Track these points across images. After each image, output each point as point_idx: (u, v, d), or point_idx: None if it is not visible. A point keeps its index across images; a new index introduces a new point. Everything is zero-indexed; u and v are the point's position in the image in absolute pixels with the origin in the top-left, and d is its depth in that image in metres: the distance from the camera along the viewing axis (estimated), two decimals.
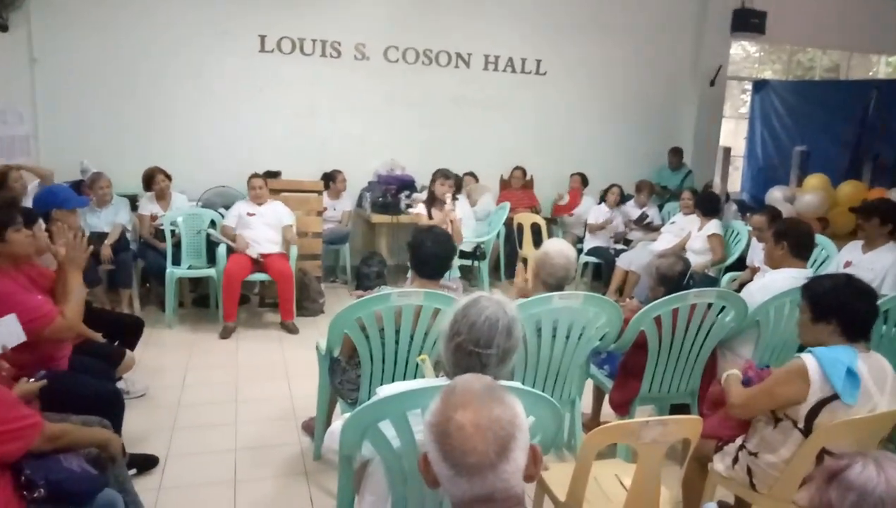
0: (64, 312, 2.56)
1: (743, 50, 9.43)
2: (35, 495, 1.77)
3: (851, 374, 2.00)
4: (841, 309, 2.09)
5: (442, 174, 4.66)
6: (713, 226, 5.36)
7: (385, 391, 1.71)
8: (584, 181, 7.02)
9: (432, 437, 1.12)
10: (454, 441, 1.07)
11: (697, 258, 5.16)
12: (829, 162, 7.32)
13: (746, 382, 2.35)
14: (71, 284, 2.68)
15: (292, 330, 4.93)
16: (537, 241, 6.29)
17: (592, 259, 6.45)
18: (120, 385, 3.38)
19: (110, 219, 5.02)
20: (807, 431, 2.07)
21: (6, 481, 1.77)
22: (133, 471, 2.76)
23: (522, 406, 1.62)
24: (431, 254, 2.74)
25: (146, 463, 2.93)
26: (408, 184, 6.48)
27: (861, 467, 0.99)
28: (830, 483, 1.00)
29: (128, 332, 3.48)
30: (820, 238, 4.56)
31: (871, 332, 2.14)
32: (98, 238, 4.84)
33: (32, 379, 2.26)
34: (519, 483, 1.11)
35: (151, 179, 5.31)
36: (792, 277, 3.21)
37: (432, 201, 4.72)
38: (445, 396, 1.15)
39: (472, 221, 6.19)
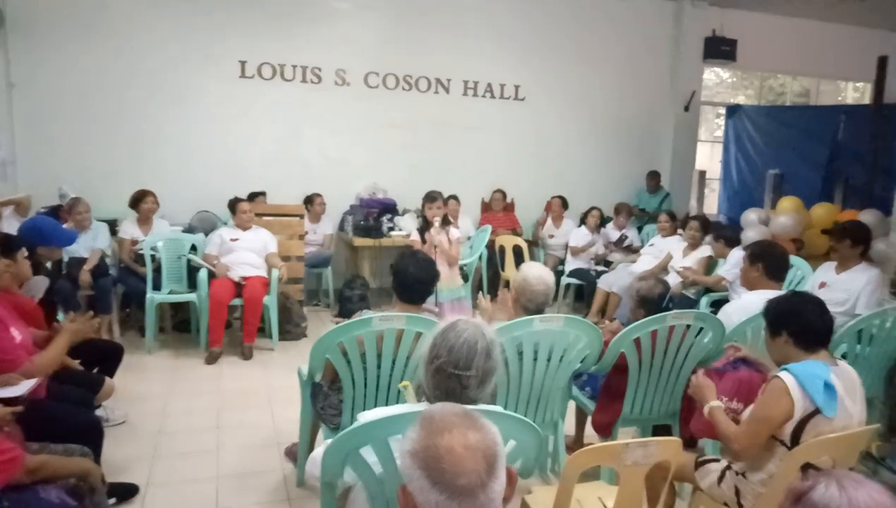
0: (34, 360, 2.53)
1: (716, 76, 9.68)
2: None
3: (828, 387, 2.06)
4: (789, 320, 2.19)
5: (428, 198, 4.70)
6: (707, 249, 5.37)
7: (366, 417, 1.72)
8: (565, 204, 7.11)
9: (418, 465, 1.11)
10: (445, 464, 1.08)
11: (676, 279, 5.24)
12: (803, 184, 7.51)
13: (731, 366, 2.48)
14: (59, 343, 2.69)
15: (246, 354, 4.87)
16: (519, 263, 6.34)
17: (574, 280, 6.51)
18: (99, 412, 3.34)
19: (89, 244, 4.97)
20: (792, 448, 2.10)
21: None
22: (113, 500, 2.73)
23: (503, 430, 1.66)
24: (414, 279, 2.76)
25: (126, 492, 2.89)
26: (390, 208, 6.52)
27: (824, 488, 1.03)
28: (796, 505, 1.04)
29: (107, 359, 3.43)
30: (795, 259, 4.65)
31: (829, 341, 2.20)
32: (77, 263, 4.80)
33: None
34: (500, 503, 1.12)
35: (141, 200, 5.27)
36: (768, 298, 3.28)
37: (427, 226, 4.73)
38: (425, 423, 1.15)
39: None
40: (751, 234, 5.88)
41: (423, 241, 4.66)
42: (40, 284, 3.27)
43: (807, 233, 6.39)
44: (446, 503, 1.08)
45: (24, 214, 4.81)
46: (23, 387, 2.37)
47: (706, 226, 5.51)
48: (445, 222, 4.74)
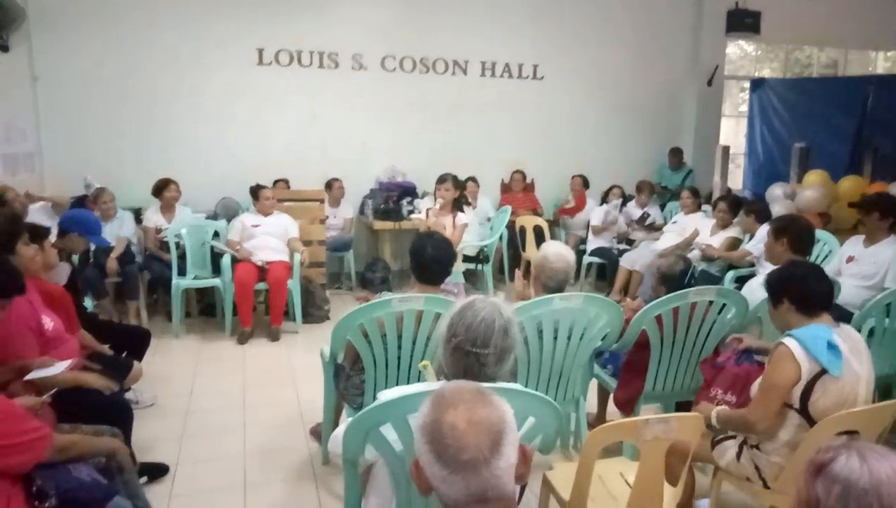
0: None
1: (740, 49, 9.44)
2: (46, 504, 1.81)
3: (832, 347, 2.08)
4: (788, 287, 2.25)
5: (439, 179, 4.67)
6: (734, 230, 5.28)
7: (386, 395, 1.74)
8: (586, 183, 7.05)
9: (424, 439, 1.13)
10: (448, 439, 1.09)
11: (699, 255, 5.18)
12: (830, 157, 7.32)
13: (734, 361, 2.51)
14: (72, 377, 2.55)
15: (274, 336, 4.97)
16: (540, 243, 6.30)
17: (596, 259, 6.47)
18: (129, 395, 3.43)
19: (115, 232, 5.07)
20: (803, 411, 2.11)
21: (19, 491, 1.80)
22: (144, 479, 2.80)
23: (522, 407, 1.66)
24: (432, 259, 2.77)
25: (157, 471, 2.97)
26: (409, 191, 6.52)
27: (845, 459, 1.01)
28: (816, 477, 1.02)
29: (135, 343, 3.51)
30: (822, 233, 4.56)
31: (830, 305, 2.24)
32: (103, 252, 4.89)
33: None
34: (510, 482, 1.12)
35: (164, 188, 5.37)
36: None
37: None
38: (435, 399, 1.16)
39: (475, 225, 6.22)
40: (776, 209, 5.77)
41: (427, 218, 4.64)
42: (63, 271, 3.36)
43: (834, 207, 6.25)
44: (450, 477, 1.09)
45: (60, 214, 4.93)
46: (57, 368, 2.42)
47: (736, 205, 5.36)
48: (458, 205, 4.70)
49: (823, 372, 2.07)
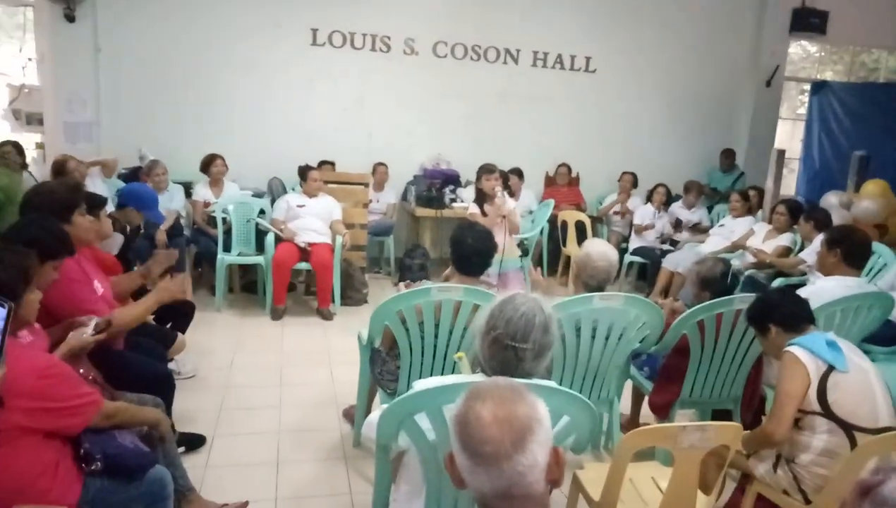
0: (114, 314, 2.54)
1: (802, 50, 9.11)
2: (93, 467, 1.88)
3: (831, 345, 2.17)
4: (769, 314, 2.37)
5: (486, 169, 4.60)
6: (786, 239, 5.13)
7: (422, 385, 1.75)
8: (635, 181, 6.92)
9: (454, 429, 1.14)
10: (472, 430, 1.09)
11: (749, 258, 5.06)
12: (891, 167, 7.02)
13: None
14: (147, 301, 2.68)
15: (327, 316, 5.07)
16: (581, 239, 6.25)
17: (638, 259, 6.37)
18: (171, 366, 3.53)
19: (165, 205, 5.18)
20: (827, 413, 2.11)
21: (67, 452, 1.88)
22: (182, 449, 2.87)
23: (557, 405, 1.65)
24: (472, 251, 2.77)
25: (194, 442, 3.05)
26: (452, 179, 6.51)
27: (895, 483, 0.98)
28: (864, 498, 1.00)
29: (180, 315, 3.60)
30: (877, 245, 4.40)
31: (813, 319, 2.35)
32: (154, 224, 5.03)
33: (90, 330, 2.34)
34: (539, 482, 1.10)
35: (210, 163, 5.51)
36: (845, 285, 3.14)
37: (482, 198, 4.65)
38: (470, 392, 1.17)
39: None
40: (832, 217, 5.58)
41: (484, 214, 4.58)
42: (116, 241, 3.47)
43: (892, 219, 6.01)
44: (473, 468, 1.10)
45: (110, 175, 5.08)
46: (90, 326, 2.40)
47: (796, 211, 5.19)
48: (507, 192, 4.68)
49: (830, 369, 2.13)
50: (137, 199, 3.90)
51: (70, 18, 5.79)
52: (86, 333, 2.30)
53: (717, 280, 2.99)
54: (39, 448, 1.78)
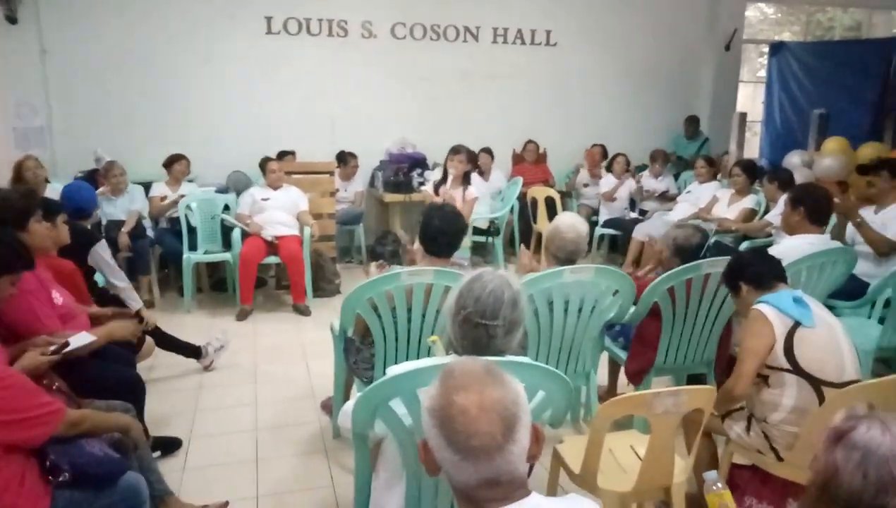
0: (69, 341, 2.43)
1: (759, 12, 9.20)
2: (60, 479, 1.82)
3: (798, 301, 2.20)
4: (740, 274, 2.40)
5: (452, 150, 4.58)
6: (749, 201, 5.17)
7: (395, 370, 1.73)
8: (605, 153, 6.94)
9: (434, 423, 1.08)
10: (458, 425, 1.05)
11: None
12: (850, 124, 7.15)
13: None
14: (99, 334, 2.60)
15: (304, 312, 4.98)
16: (552, 215, 6.25)
17: (609, 231, 6.41)
18: (208, 346, 3.80)
19: (126, 206, 5.07)
20: (796, 369, 2.14)
21: (33, 465, 1.82)
22: (157, 454, 2.83)
23: (532, 381, 1.64)
24: (439, 231, 2.74)
25: (170, 446, 3.00)
26: (419, 162, 6.45)
27: (866, 428, 0.99)
28: (836, 444, 1.00)
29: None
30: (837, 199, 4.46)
31: (784, 276, 2.38)
32: (115, 226, 4.91)
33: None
34: (523, 463, 1.09)
35: (175, 161, 5.40)
36: (809, 243, 3.19)
37: (445, 179, 4.62)
38: (444, 380, 1.12)
39: (487, 197, 6.17)
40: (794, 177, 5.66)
41: (437, 194, 4.57)
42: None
43: (853, 176, 6.12)
44: (461, 463, 1.05)
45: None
46: (88, 337, 2.41)
47: (751, 170, 5.25)
48: (466, 179, 4.63)
49: (797, 325, 2.15)
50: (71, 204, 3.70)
51: (12, 20, 5.58)
52: (44, 353, 2.25)
53: (691, 249, 2.99)
54: (1, 463, 1.72)
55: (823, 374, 2.11)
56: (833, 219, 3.73)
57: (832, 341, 2.17)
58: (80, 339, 2.41)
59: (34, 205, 2.72)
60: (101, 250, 3.36)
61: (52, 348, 2.30)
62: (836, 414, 1.97)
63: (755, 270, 2.37)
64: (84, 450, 1.93)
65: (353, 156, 6.38)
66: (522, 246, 3.23)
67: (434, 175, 6.13)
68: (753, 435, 2.26)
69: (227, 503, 2.55)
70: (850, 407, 1.99)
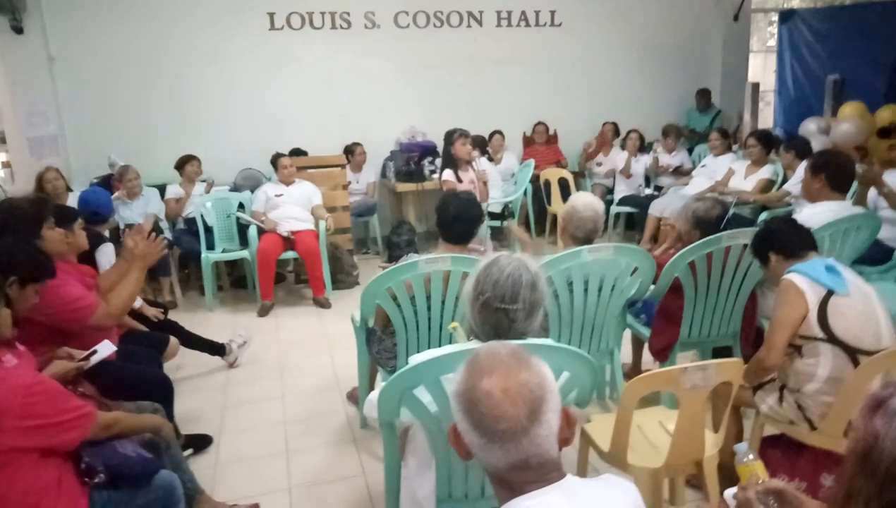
0: (109, 300, 2.61)
1: None
2: (96, 480, 1.85)
3: (830, 269, 2.16)
4: (770, 244, 2.37)
5: (460, 134, 4.53)
6: (766, 171, 5.12)
7: (418, 359, 1.73)
8: (616, 130, 6.88)
9: (460, 407, 1.09)
10: (483, 408, 1.05)
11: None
12: (866, 89, 7.00)
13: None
14: (130, 276, 2.71)
15: (325, 304, 5.01)
16: (566, 196, 6.21)
17: (625, 208, 6.36)
18: (231, 344, 3.85)
19: (142, 210, 5.11)
20: (831, 338, 2.09)
21: (69, 468, 1.85)
22: (189, 451, 2.87)
23: (556, 362, 1.63)
24: (455, 218, 2.73)
25: (201, 443, 3.03)
26: (430, 150, 6.42)
27: None
28: (875, 412, 0.98)
29: (169, 320, 3.57)
30: (860, 167, 4.38)
31: (815, 245, 2.34)
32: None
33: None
34: (553, 447, 1.08)
35: (187, 162, 5.44)
36: (831, 210, 3.13)
37: (455, 164, 4.57)
38: (470, 365, 1.12)
39: (499, 181, 6.14)
40: (811, 145, 5.57)
41: (459, 179, 4.52)
42: (108, 251, 3.47)
43: (871, 140, 6.01)
44: (488, 446, 1.05)
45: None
46: (111, 347, 2.45)
47: (766, 140, 5.18)
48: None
49: (830, 293, 2.11)
50: (85, 209, 3.82)
51: (18, 30, 5.61)
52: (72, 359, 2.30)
53: (711, 222, 2.94)
54: (38, 468, 1.75)
55: (860, 342, 2.08)
56: (854, 186, 3.67)
57: (868, 309, 2.13)
58: (105, 348, 2.45)
59: (45, 212, 2.74)
60: (106, 250, 3.45)
61: (80, 356, 2.35)
62: (872, 382, 1.95)
63: (785, 239, 2.33)
64: (117, 451, 1.96)
65: (357, 144, 6.37)
66: (509, 221, 3.19)
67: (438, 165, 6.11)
68: (786, 406, 2.23)
69: (256, 505, 2.57)
70: (887, 373, 1.96)
